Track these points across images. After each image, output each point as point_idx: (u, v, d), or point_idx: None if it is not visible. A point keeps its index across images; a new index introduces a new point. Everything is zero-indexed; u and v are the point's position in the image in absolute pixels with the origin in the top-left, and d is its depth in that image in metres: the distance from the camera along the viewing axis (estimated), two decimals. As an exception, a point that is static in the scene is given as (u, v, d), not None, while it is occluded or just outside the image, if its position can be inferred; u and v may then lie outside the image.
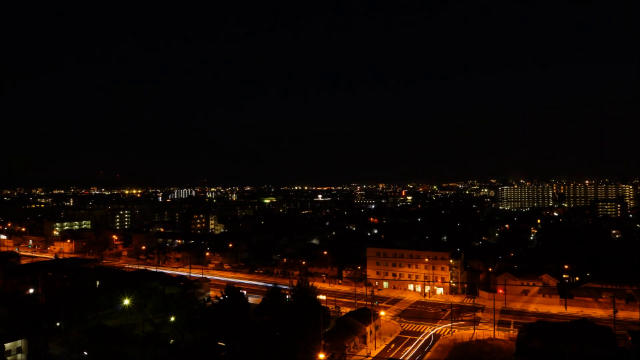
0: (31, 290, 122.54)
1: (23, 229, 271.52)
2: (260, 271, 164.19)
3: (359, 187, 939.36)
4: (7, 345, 79.24)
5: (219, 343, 78.27)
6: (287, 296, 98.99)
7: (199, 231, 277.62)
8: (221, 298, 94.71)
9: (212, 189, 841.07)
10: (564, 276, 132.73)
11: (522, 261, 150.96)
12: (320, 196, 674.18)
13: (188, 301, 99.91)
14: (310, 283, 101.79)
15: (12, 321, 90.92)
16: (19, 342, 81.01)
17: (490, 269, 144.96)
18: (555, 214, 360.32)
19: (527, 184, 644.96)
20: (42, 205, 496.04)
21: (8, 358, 79.10)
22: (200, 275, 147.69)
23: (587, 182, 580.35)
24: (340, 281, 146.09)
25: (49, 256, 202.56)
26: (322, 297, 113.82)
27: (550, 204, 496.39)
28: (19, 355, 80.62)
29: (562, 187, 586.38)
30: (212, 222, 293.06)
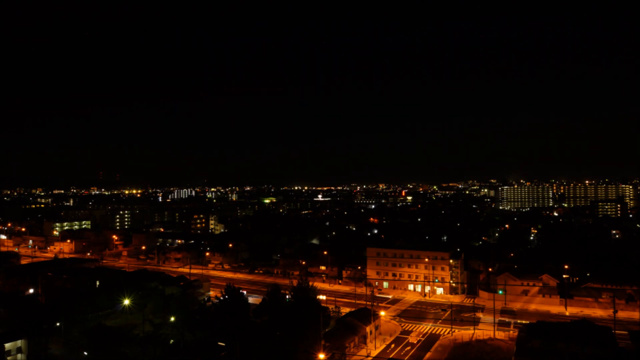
0: (31, 290, 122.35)
1: (23, 229, 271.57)
2: (260, 271, 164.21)
3: (358, 187, 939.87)
4: (7, 345, 79.21)
5: (219, 343, 78.22)
6: (287, 296, 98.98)
7: (199, 231, 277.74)
8: (221, 298, 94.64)
9: (212, 189, 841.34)
10: (564, 276, 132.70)
11: (522, 261, 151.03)
12: (320, 196, 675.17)
13: (188, 301, 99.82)
14: (310, 283, 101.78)
15: (12, 321, 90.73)
16: (19, 342, 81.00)
17: (490, 269, 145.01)
18: (555, 214, 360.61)
19: (527, 184, 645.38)
20: (42, 205, 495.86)
21: (8, 358, 79.06)
22: (201, 275, 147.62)
23: (587, 182, 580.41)
24: (340, 281, 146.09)
25: (49, 256, 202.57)
26: (322, 297, 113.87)
27: (550, 204, 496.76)
28: (19, 355, 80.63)
29: (562, 187, 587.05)
30: (212, 222, 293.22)
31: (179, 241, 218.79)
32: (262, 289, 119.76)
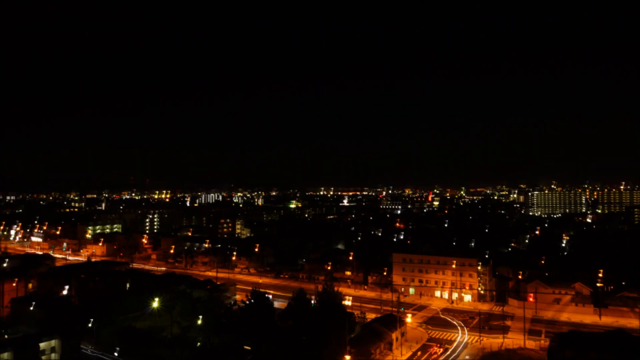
0: (65, 292, 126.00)
1: (58, 232, 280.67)
2: (286, 276, 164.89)
3: (384, 192, 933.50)
4: (42, 345, 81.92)
5: (245, 346, 79.00)
6: (313, 301, 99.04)
7: (225, 235, 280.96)
8: (247, 302, 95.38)
9: (239, 194, 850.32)
10: (598, 284, 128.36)
11: (554, 268, 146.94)
12: (345, 201, 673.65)
13: (215, 304, 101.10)
14: (336, 288, 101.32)
15: (46, 321, 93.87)
16: (53, 342, 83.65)
17: (520, 276, 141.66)
18: (589, 220, 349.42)
19: (559, 189, 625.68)
20: (76, 209, 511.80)
21: (42, 357, 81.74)
22: (227, 279, 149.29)
23: (621, 187, 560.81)
24: (365, 287, 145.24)
25: (82, 258, 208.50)
26: (347, 302, 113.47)
27: (583, 210, 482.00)
28: (52, 355, 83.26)
29: (595, 193, 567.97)
30: (238, 226, 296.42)
31: (206, 245, 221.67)
32: (288, 294, 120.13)
